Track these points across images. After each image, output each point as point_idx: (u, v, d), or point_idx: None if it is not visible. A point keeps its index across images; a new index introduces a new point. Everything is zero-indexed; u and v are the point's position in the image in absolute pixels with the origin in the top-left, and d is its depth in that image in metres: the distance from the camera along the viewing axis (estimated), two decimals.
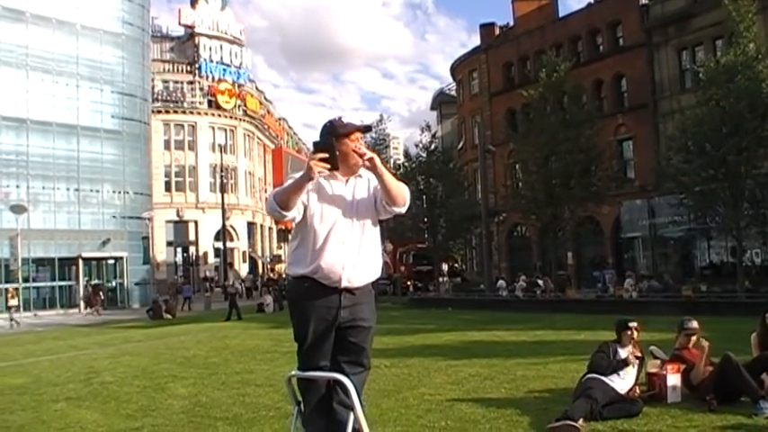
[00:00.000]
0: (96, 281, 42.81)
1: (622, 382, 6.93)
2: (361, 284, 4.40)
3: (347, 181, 4.41)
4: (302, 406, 4.49)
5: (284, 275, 37.36)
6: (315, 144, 4.31)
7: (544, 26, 42.66)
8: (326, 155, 4.03)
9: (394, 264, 44.87)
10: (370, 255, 4.46)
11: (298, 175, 4.16)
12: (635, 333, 7.27)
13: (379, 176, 4.22)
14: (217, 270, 54.31)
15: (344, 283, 4.31)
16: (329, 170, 4.07)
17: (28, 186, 40.18)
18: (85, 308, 39.29)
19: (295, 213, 4.24)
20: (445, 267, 41.02)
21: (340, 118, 4.47)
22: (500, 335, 15.87)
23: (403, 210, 4.40)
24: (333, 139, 4.19)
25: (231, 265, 43.53)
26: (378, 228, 4.53)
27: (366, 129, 4.54)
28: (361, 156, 4.20)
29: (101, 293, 40.21)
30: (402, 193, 4.32)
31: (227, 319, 25.96)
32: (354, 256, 4.34)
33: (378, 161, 4.19)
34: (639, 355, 7.18)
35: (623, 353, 7.10)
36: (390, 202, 4.32)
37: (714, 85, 24.23)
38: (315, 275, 4.32)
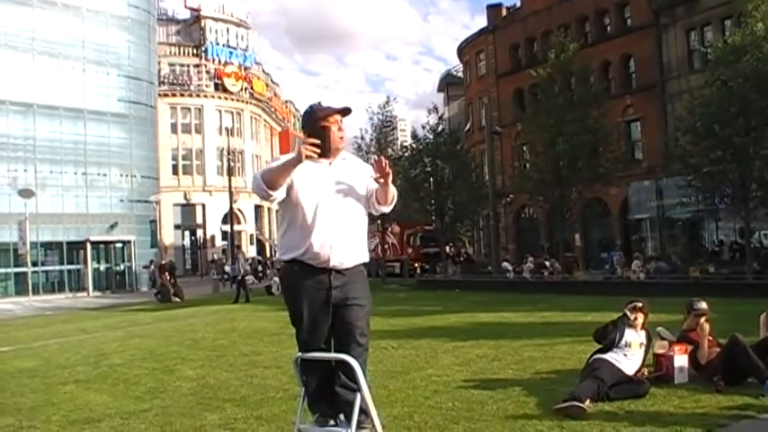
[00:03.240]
0: (163, 260, 42.25)
1: (629, 363, 6.93)
2: (349, 265, 4.50)
3: (330, 163, 4.49)
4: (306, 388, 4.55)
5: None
6: (304, 129, 4.61)
7: (551, 6, 42.36)
8: (317, 141, 4.25)
9: (401, 246, 44.85)
10: (357, 236, 4.58)
11: (286, 157, 4.34)
12: (639, 315, 7.27)
13: (386, 185, 4.45)
14: (224, 253, 54.38)
15: (333, 263, 4.41)
16: (319, 155, 4.27)
17: (35, 170, 40.15)
18: (153, 287, 38.93)
19: (281, 194, 4.39)
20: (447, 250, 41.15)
21: (319, 103, 4.65)
22: (507, 316, 15.87)
23: (388, 210, 4.69)
24: (324, 125, 4.40)
25: (239, 247, 43.61)
26: (365, 211, 4.64)
27: (344, 111, 4.58)
28: (382, 170, 4.39)
29: (167, 273, 39.77)
30: (394, 199, 4.60)
31: (234, 301, 26.01)
32: (341, 236, 4.44)
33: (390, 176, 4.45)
34: (644, 341, 7.19)
35: (628, 333, 7.12)
36: (382, 204, 4.57)
37: (721, 66, 24.06)
38: (304, 257, 4.41)
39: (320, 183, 4.43)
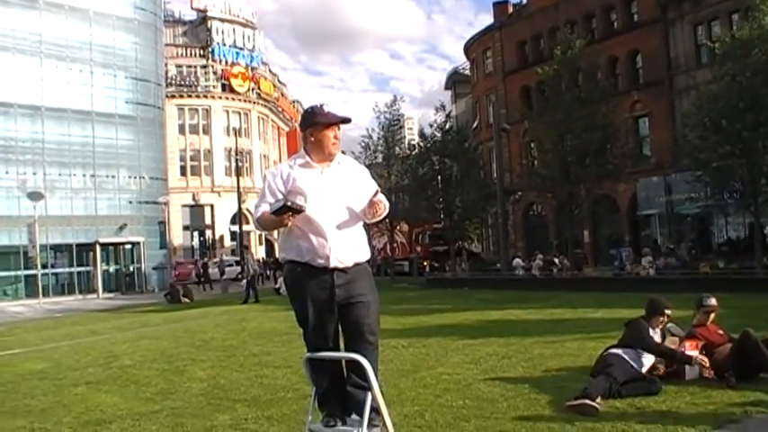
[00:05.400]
0: (205, 259, 42.52)
1: (643, 360, 6.89)
2: (350, 264, 4.49)
3: (323, 168, 4.53)
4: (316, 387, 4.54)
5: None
6: (302, 128, 4.63)
7: (558, 3, 42.23)
8: (290, 212, 4.29)
9: (410, 244, 44.82)
10: (354, 236, 4.57)
11: (275, 208, 4.34)
12: (666, 320, 7.26)
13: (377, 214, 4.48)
14: (233, 253, 54.42)
15: (333, 263, 4.41)
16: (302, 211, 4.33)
17: (44, 173, 40.34)
18: (200, 284, 38.79)
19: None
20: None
21: (322, 106, 4.57)
22: (517, 314, 15.85)
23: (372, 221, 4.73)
24: (286, 200, 4.36)
25: (247, 248, 43.64)
26: (361, 212, 4.58)
27: (345, 121, 4.57)
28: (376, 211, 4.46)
29: (209, 271, 39.56)
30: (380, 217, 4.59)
31: (244, 301, 26.05)
32: (339, 237, 4.45)
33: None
34: (659, 339, 7.17)
35: (655, 337, 7.09)
36: (369, 219, 4.58)
37: (730, 61, 23.95)
38: (305, 259, 4.42)
39: (314, 188, 4.45)
